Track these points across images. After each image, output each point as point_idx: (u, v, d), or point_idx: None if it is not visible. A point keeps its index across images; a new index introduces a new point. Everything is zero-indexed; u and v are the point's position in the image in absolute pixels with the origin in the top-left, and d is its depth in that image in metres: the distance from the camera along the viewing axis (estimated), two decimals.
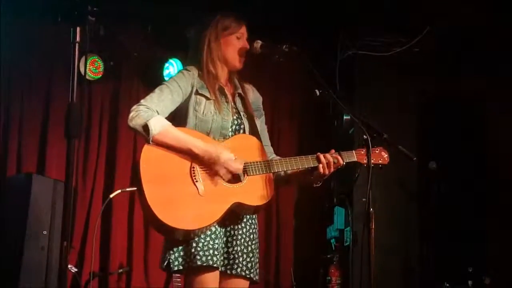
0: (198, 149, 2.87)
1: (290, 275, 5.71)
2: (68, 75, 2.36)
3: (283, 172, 3.08)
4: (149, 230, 5.71)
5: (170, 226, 2.78)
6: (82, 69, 4.54)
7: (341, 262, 5.72)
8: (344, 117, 5.80)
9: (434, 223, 5.61)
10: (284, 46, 3.05)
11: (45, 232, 4.82)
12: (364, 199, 2.87)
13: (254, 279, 3.02)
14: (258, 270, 3.05)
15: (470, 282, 5.39)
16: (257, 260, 3.06)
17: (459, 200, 5.75)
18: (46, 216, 4.86)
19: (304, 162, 3.01)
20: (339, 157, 3.01)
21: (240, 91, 3.17)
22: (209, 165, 2.89)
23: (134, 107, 2.91)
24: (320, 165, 2.98)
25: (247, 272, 2.97)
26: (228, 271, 2.95)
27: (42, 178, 5.05)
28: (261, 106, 3.29)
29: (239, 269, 2.96)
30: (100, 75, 5.68)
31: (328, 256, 5.86)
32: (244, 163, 2.94)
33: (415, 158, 3.00)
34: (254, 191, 2.93)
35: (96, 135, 5.78)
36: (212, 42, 3.12)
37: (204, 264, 2.83)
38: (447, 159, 5.67)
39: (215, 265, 2.86)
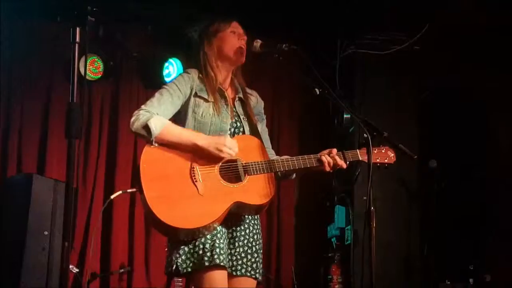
0: (202, 142, 2.90)
1: (291, 274, 5.71)
2: (68, 75, 2.36)
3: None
4: (150, 230, 5.71)
5: (170, 226, 2.80)
6: (82, 69, 4.52)
7: (342, 260, 5.71)
8: (344, 116, 5.80)
9: (434, 221, 5.61)
10: (283, 45, 3.05)
11: (46, 233, 4.82)
12: (364, 198, 2.88)
13: (259, 279, 3.04)
14: (262, 271, 3.07)
15: (471, 280, 5.40)
16: (261, 260, 3.07)
17: (459, 198, 5.75)
18: (47, 217, 4.86)
19: (306, 162, 3.02)
20: (342, 162, 3.02)
21: (241, 95, 3.19)
22: (214, 154, 2.89)
23: (135, 112, 2.97)
24: (326, 164, 3.00)
25: (252, 272, 2.99)
26: (234, 272, 2.96)
27: (42, 179, 5.05)
28: (263, 111, 3.31)
29: (243, 270, 2.97)
30: (100, 75, 5.68)
31: (329, 254, 5.86)
32: (245, 163, 2.95)
33: (415, 157, 3.00)
34: (254, 190, 2.93)
35: (96, 135, 5.78)
36: (207, 46, 3.17)
37: (212, 264, 2.83)
38: (447, 157, 5.67)
39: (222, 264, 2.86)
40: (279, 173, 3.08)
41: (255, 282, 3.02)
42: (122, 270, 5.52)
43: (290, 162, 3.01)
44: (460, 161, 5.80)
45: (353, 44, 5.89)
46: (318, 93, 3.01)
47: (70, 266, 4.80)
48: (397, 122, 5.58)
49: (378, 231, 2.79)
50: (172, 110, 3.03)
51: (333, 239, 5.92)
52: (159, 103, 2.99)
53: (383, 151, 3.10)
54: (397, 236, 5.57)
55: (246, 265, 2.98)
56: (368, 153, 2.89)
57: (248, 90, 3.27)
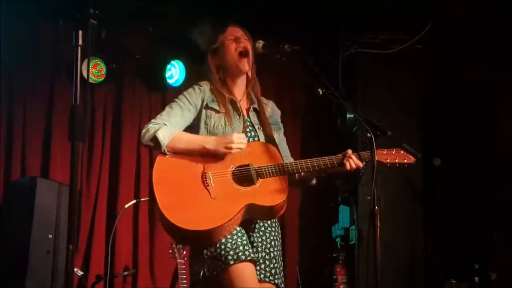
0: (210, 144, 2.91)
1: (296, 275, 5.70)
2: (71, 78, 2.37)
3: (297, 175, 3.08)
4: (154, 231, 5.72)
5: (184, 229, 2.79)
6: (84, 72, 4.52)
7: (347, 260, 5.71)
8: (347, 116, 5.79)
9: (439, 219, 5.60)
10: (286, 46, 3.04)
11: (50, 236, 4.82)
12: (369, 197, 2.86)
13: (281, 286, 3.02)
14: (283, 278, 3.04)
15: (476, 278, 5.38)
16: (281, 267, 3.05)
17: (463, 196, 5.74)
18: (51, 220, 4.86)
19: (320, 164, 3.01)
20: (359, 162, 3.02)
21: (255, 105, 3.18)
22: (225, 153, 2.90)
23: (145, 125, 2.99)
24: (346, 164, 2.99)
25: (271, 278, 2.97)
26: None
27: (46, 182, 5.05)
28: (279, 120, 3.29)
29: (262, 275, 2.96)
30: (103, 78, 5.68)
31: (334, 255, 5.85)
32: (258, 167, 2.95)
33: (419, 155, 2.99)
34: (266, 193, 2.92)
35: (100, 138, 5.78)
36: (211, 60, 3.18)
37: (237, 262, 2.82)
38: (450, 155, 5.66)
39: (249, 258, 2.85)
40: (297, 177, 3.08)
41: (274, 287, 3.00)
42: (126, 272, 5.52)
43: (304, 164, 2.99)
44: (464, 159, 5.79)
45: (356, 43, 5.89)
46: (321, 93, 3.00)
47: (75, 269, 4.80)
48: (400, 121, 5.58)
49: (383, 230, 2.78)
50: (182, 123, 3.04)
51: (338, 239, 5.91)
52: (169, 116, 3.00)
53: (401, 152, 3.09)
54: (401, 235, 5.57)
55: (265, 270, 2.97)
56: (372, 153, 2.88)
57: (264, 100, 3.25)
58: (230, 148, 2.90)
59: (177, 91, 5.74)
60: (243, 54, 3.11)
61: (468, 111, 5.93)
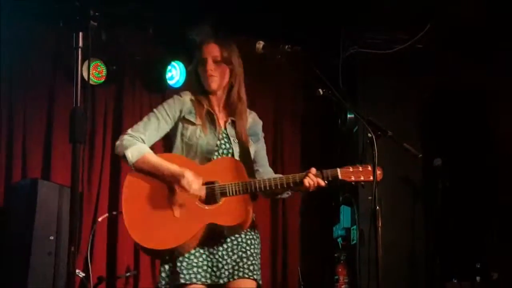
0: (167, 174, 2.95)
1: (298, 275, 5.70)
2: (71, 80, 2.37)
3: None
4: None
5: (145, 247, 2.92)
6: (85, 74, 4.53)
7: (348, 260, 5.71)
8: (348, 116, 5.80)
9: (440, 219, 5.60)
10: (286, 46, 3.06)
11: (51, 238, 4.83)
12: (370, 198, 2.87)
13: (259, 282, 3.06)
14: (260, 275, 3.08)
15: (478, 278, 5.39)
16: (259, 264, 3.09)
17: (464, 196, 5.74)
18: (52, 222, 4.87)
19: (283, 182, 3.02)
20: (321, 181, 3.00)
21: (233, 117, 3.18)
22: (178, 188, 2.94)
23: (121, 135, 3.06)
24: (306, 183, 2.99)
25: (250, 274, 3.01)
26: (231, 278, 2.99)
27: (48, 184, 5.06)
28: (260, 131, 3.29)
29: (240, 273, 3.00)
30: (103, 80, 5.69)
31: (335, 255, 5.86)
32: (222, 185, 2.97)
33: (420, 155, 3.00)
34: (227, 212, 2.95)
35: (101, 139, 5.78)
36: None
37: (187, 282, 2.92)
38: (451, 155, 5.66)
39: (198, 283, 2.94)
40: (264, 192, 3.07)
41: (254, 282, 3.04)
42: (128, 274, 5.52)
43: (267, 182, 3.01)
44: (464, 158, 5.79)
45: (356, 43, 5.89)
46: (321, 93, 3.01)
47: (77, 271, 4.80)
48: (401, 121, 5.58)
49: (383, 230, 2.79)
50: (157, 135, 3.11)
51: (339, 239, 5.91)
52: (145, 128, 3.06)
53: (369, 168, 3.04)
54: (402, 235, 5.57)
55: (243, 267, 3.01)
56: (374, 154, 2.88)
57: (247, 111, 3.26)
58: (180, 183, 2.92)
59: (178, 92, 5.77)
60: (211, 74, 3.13)
61: (468, 111, 5.93)
